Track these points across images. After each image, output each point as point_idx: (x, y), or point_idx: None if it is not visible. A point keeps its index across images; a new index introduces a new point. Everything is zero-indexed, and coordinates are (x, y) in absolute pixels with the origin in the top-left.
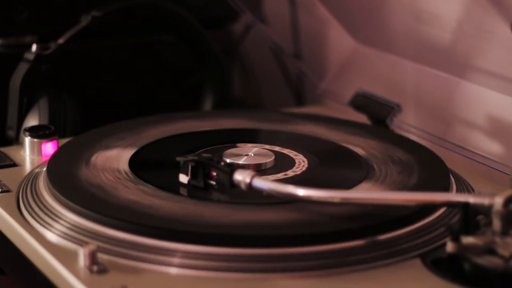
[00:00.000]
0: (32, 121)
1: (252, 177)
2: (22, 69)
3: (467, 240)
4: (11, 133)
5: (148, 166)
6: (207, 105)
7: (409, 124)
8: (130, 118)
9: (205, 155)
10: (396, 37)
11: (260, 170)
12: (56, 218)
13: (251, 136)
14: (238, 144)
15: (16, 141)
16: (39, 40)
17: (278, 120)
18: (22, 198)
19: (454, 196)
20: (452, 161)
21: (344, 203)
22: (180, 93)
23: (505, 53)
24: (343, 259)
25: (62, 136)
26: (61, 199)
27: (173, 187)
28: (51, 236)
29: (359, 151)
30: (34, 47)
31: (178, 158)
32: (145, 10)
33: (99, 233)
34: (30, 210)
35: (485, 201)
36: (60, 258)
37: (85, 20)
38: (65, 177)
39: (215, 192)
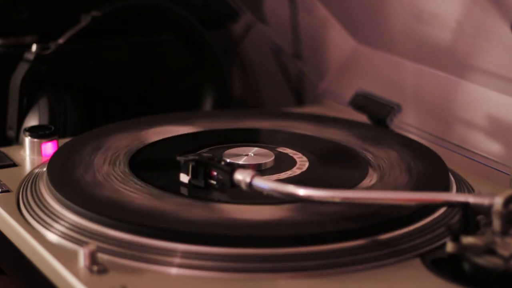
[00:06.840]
0: (32, 121)
1: (253, 177)
2: (22, 69)
3: (467, 240)
4: (11, 133)
5: (148, 166)
6: (207, 105)
7: (409, 124)
8: (130, 118)
9: (205, 154)
10: (396, 37)
11: (260, 170)
12: (56, 218)
13: (251, 136)
14: (238, 144)
15: (16, 141)
16: (39, 40)
17: (278, 120)
18: (22, 198)
19: (454, 196)
20: (452, 161)
21: (344, 203)
22: (180, 93)
23: (505, 53)
24: (343, 259)
25: (62, 136)
26: (61, 199)
27: (174, 187)
28: (51, 236)
29: (359, 151)
30: (34, 47)
31: (178, 158)
32: (145, 10)
33: (99, 233)
34: (30, 210)
35: (485, 201)
36: (60, 258)
37: (85, 20)
38: (65, 177)
39: (215, 192)
